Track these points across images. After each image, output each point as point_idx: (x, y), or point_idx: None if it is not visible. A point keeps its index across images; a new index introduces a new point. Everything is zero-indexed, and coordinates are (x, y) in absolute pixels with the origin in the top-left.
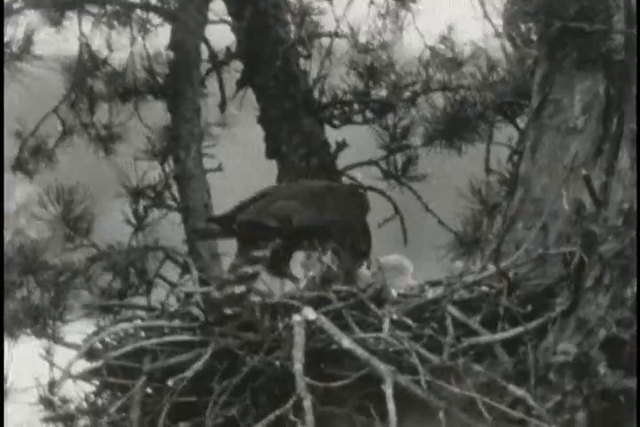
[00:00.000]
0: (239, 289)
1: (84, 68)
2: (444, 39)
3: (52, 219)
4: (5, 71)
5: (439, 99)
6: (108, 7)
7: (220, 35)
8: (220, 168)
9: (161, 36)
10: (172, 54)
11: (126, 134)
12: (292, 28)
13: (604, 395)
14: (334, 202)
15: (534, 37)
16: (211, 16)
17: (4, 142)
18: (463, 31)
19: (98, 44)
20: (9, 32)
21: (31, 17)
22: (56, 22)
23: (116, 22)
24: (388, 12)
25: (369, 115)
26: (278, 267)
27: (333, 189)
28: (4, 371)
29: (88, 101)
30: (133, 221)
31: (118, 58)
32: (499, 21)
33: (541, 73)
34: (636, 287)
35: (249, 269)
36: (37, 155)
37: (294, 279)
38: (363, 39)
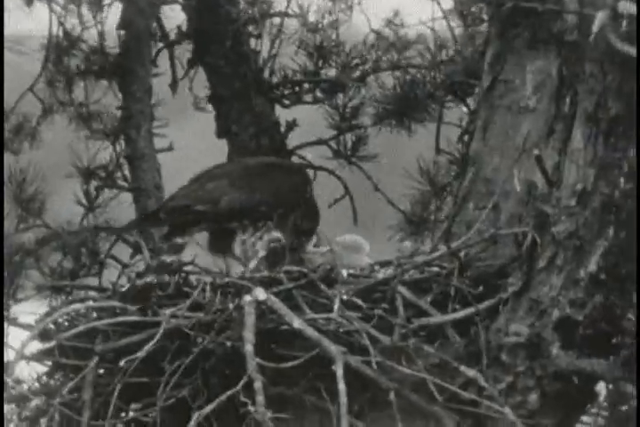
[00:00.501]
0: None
1: (59, 46)
2: (389, 23)
3: (5, 199)
4: None
5: (389, 78)
6: None
7: (173, 14)
8: (170, 148)
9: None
10: (122, 33)
11: (104, 111)
12: (243, 7)
13: (557, 376)
14: (270, 180)
15: (485, 17)
16: None
17: None
18: (410, 13)
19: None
20: None
21: None
22: (28, 1)
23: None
24: None
25: (319, 94)
26: (218, 246)
27: (271, 165)
28: None
29: (64, 79)
30: (84, 201)
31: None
32: (446, 3)
33: (492, 53)
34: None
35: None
36: (20, 134)
37: (237, 258)
38: (312, 18)
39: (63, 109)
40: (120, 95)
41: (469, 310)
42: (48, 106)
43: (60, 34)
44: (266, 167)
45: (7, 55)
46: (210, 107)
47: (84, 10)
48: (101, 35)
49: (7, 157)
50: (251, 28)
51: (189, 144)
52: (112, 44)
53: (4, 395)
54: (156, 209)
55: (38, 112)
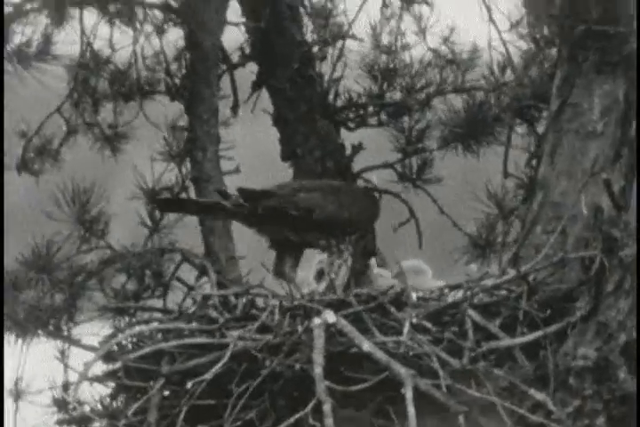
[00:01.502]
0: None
1: (87, 67)
2: (445, 41)
3: (67, 219)
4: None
5: (456, 100)
6: (112, 6)
7: (231, 35)
8: (237, 170)
9: (168, 35)
10: (188, 55)
11: (132, 133)
12: (312, 28)
13: (624, 400)
14: (352, 200)
15: (556, 40)
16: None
17: (10, 142)
18: (468, 33)
19: (100, 43)
20: (26, 32)
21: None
22: (59, 22)
23: (117, 21)
24: (401, 15)
25: (384, 117)
26: (283, 270)
27: (352, 189)
28: (19, 372)
29: (91, 101)
30: (149, 223)
31: (120, 57)
32: (503, 25)
33: (561, 76)
34: None
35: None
36: (42, 155)
37: (295, 285)
38: (385, 40)
39: (89, 130)
40: (146, 118)
41: (538, 334)
42: (72, 127)
43: (89, 55)
44: (348, 188)
45: (35, 74)
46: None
47: (116, 32)
48: (165, 57)
49: (65, 176)
50: (316, 51)
51: (255, 166)
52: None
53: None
54: (248, 192)
55: (61, 133)
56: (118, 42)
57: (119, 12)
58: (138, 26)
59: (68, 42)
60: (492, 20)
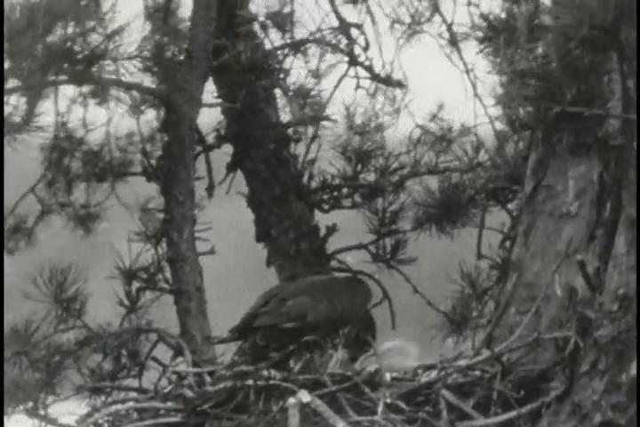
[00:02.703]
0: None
1: (60, 147)
2: (434, 117)
3: (44, 299)
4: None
5: (431, 181)
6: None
7: (207, 116)
8: (212, 251)
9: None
10: (164, 137)
11: (104, 214)
12: (284, 111)
13: None
14: (341, 292)
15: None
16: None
17: None
18: (453, 109)
19: (74, 122)
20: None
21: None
22: (32, 101)
23: (92, 101)
24: (375, 94)
25: (358, 199)
26: (282, 363)
27: (336, 280)
28: None
29: (65, 181)
30: (126, 302)
31: (93, 138)
32: (489, 102)
33: (535, 158)
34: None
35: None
36: (17, 233)
37: None
38: (358, 121)
39: (62, 210)
40: (118, 199)
41: (512, 414)
42: (47, 207)
43: (62, 135)
44: (333, 281)
45: (9, 153)
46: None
47: (88, 113)
48: (142, 138)
49: (46, 256)
50: (290, 132)
51: (229, 247)
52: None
53: None
54: (238, 328)
55: (36, 212)
56: (92, 122)
57: (93, 93)
58: (112, 105)
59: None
60: (477, 95)
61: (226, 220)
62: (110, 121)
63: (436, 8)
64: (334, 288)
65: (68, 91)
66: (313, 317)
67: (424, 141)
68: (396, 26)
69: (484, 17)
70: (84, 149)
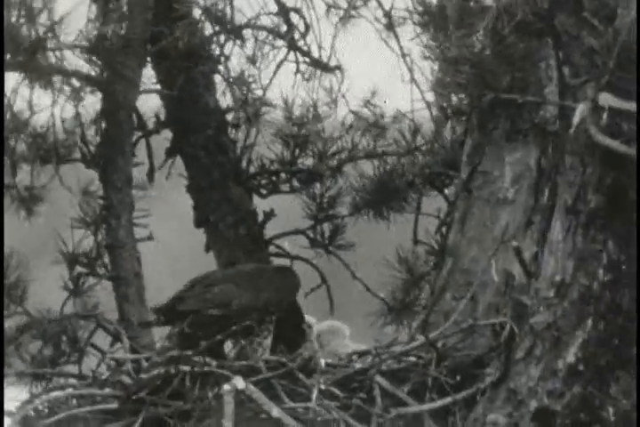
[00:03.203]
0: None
1: (6, 129)
2: (367, 103)
3: None
4: None
5: (367, 166)
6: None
7: (148, 102)
8: (150, 237)
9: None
10: (103, 123)
11: (47, 196)
12: (222, 97)
13: None
14: (268, 281)
15: (465, 108)
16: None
17: None
18: (390, 95)
19: (19, 105)
20: None
21: None
22: None
23: (37, 84)
24: (312, 80)
25: (296, 184)
26: (216, 350)
27: (264, 269)
28: None
29: (10, 162)
30: (71, 286)
31: (39, 120)
32: (426, 87)
33: (471, 144)
34: None
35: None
36: None
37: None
38: (297, 112)
39: (7, 192)
40: (61, 182)
41: (447, 400)
42: None
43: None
44: (261, 270)
45: None
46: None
47: (34, 95)
48: (81, 124)
49: None
50: (229, 118)
51: (168, 232)
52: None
53: None
54: (162, 308)
55: None
56: (37, 104)
57: (37, 77)
58: (57, 88)
59: None
60: (414, 80)
61: (165, 206)
62: (55, 104)
63: None
64: (261, 277)
65: (14, 74)
66: (237, 305)
67: (357, 127)
68: (333, 10)
69: (419, 1)
70: (29, 131)
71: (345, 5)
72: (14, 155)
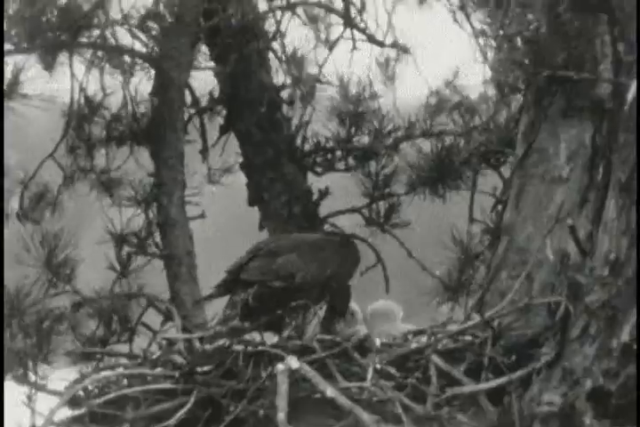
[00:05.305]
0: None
1: (80, 113)
2: (448, 83)
3: (34, 264)
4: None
5: (424, 144)
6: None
7: (203, 79)
8: (202, 215)
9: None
10: (155, 100)
11: (125, 178)
12: (277, 73)
13: None
14: (332, 255)
15: (521, 85)
16: (195, 61)
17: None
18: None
19: (92, 88)
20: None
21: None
22: (48, 66)
23: (107, 66)
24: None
25: (351, 162)
26: (276, 324)
27: (327, 240)
28: None
29: (86, 147)
30: (117, 267)
31: (113, 101)
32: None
33: (526, 121)
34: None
35: (240, 324)
36: (41, 202)
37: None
38: (353, 90)
39: (84, 177)
40: (142, 162)
41: (502, 380)
42: (69, 173)
43: (82, 100)
44: (328, 243)
45: (31, 116)
46: (224, 178)
47: (107, 76)
48: (132, 101)
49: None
50: (283, 95)
51: (221, 211)
52: (141, 109)
53: None
54: (225, 281)
55: (59, 180)
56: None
57: (107, 57)
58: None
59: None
60: (486, 59)
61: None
62: (127, 85)
63: None
64: (325, 250)
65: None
66: (301, 278)
67: (438, 107)
68: None
69: None
70: (103, 113)
71: None
72: (90, 138)
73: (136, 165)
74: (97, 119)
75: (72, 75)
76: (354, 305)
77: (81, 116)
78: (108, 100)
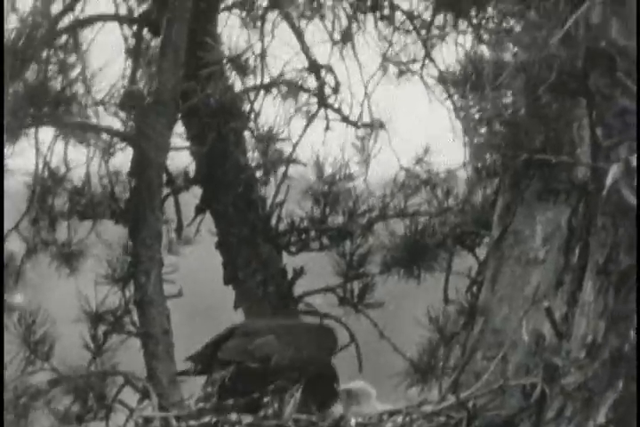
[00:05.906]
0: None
1: (43, 185)
2: (419, 161)
3: (12, 340)
4: None
5: (398, 225)
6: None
7: (175, 157)
8: (180, 294)
9: (119, 156)
10: (133, 180)
11: (87, 251)
12: (252, 154)
13: None
14: (310, 339)
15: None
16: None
17: None
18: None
19: (55, 160)
20: None
21: None
22: (14, 138)
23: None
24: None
25: (325, 242)
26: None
27: (307, 326)
28: None
29: (48, 219)
30: (92, 346)
31: (77, 175)
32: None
33: (502, 204)
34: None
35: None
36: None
37: None
38: (328, 170)
39: (46, 249)
40: (99, 237)
41: None
42: (32, 245)
43: (46, 173)
44: (305, 328)
45: None
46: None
47: (70, 151)
48: (111, 180)
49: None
50: (258, 175)
51: (197, 288)
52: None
53: None
54: (199, 356)
55: (23, 251)
56: (74, 160)
57: (73, 132)
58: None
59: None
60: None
61: (194, 262)
62: (91, 160)
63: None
64: (303, 334)
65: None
66: (278, 360)
67: (407, 185)
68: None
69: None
70: (66, 186)
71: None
72: (52, 211)
73: (97, 238)
74: (60, 192)
75: (37, 149)
76: (366, 385)
77: (45, 188)
78: (73, 174)
